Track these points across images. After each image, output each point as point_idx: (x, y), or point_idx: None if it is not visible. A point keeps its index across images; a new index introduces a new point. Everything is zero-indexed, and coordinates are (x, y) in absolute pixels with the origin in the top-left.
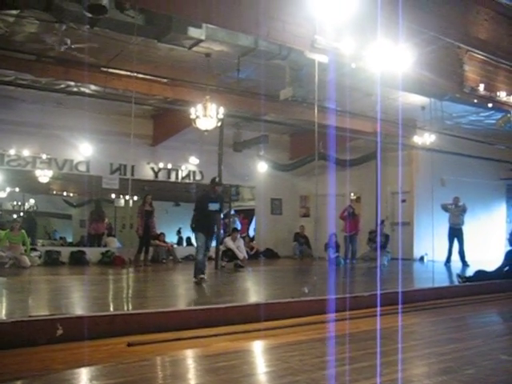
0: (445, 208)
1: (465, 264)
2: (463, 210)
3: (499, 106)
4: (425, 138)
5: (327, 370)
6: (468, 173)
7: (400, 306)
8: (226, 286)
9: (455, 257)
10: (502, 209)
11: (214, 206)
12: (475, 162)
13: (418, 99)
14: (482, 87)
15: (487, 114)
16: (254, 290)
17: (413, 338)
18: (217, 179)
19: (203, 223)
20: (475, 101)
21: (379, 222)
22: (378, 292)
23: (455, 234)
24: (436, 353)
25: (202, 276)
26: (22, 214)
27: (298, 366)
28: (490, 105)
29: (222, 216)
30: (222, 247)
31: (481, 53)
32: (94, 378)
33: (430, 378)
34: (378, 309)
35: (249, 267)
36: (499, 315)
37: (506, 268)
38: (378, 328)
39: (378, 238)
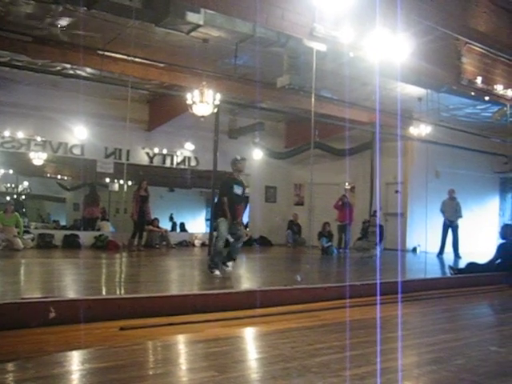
0: (442, 211)
1: (457, 256)
2: (456, 208)
3: (496, 100)
4: (420, 130)
5: (319, 358)
6: (462, 165)
7: (393, 296)
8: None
9: (448, 249)
10: (495, 202)
11: (238, 190)
12: (470, 155)
13: (415, 90)
14: (479, 80)
15: (483, 106)
16: (246, 277)
17: (404, 328)
18: (238, 157)
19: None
20: (472, 93)
21: (378, 212)
22: (374, 281)
23: (450, 225)
24: (426, 343)
25: (216, 270)
26: (15, 196)
27: (290, 353)
28: (486, 98)
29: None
30: (215, 233)
31: (479, 45)
32: (86, 360)
33: (419, 367)
34: (372, 298)
35: (242, 254)
36: (490, 307)
37: (498, 261)
38: (370, 317)
39: (377, 229)
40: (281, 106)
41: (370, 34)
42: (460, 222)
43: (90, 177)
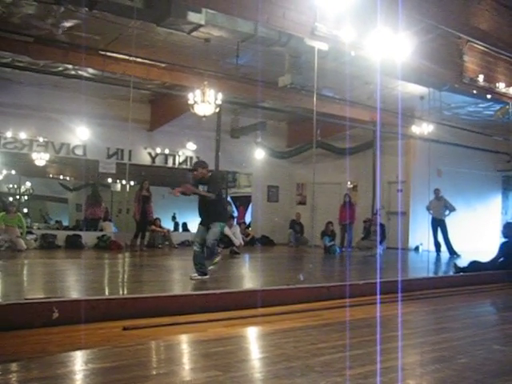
0: (428, 208)
1: (454, 253)
2: (445, 206)
3: (498, 98)
4: (422, 128)
5: (322, 357)
6: (465, 164)
7: (395, 295)
8: (221, 272)
9: (444, 247)
10: (497, 200)
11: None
12: (472, 153)
13: (417, 89)
14: (481, 78)
15: (486, 105)
16: (249, 276)
17: (407, 327)
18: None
19: (199, 212)
20: (474, 92)
21: (378, 211)
22: (376, 280)
23: (438, 224)
24: (430, 342)
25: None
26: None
27: (293, 352)
28: (488, 96)
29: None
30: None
31: (481, 43)
32: (90, 360)
33: (423, 366)
34: (375, 297)
35: (245, 254)
36: (492, 305)
37: (501, 259)
38: (373, 316)
39: (378, 228)
40: (282, 105)
41: (371, 32)
42: (463, 219)
43: (92, 177)
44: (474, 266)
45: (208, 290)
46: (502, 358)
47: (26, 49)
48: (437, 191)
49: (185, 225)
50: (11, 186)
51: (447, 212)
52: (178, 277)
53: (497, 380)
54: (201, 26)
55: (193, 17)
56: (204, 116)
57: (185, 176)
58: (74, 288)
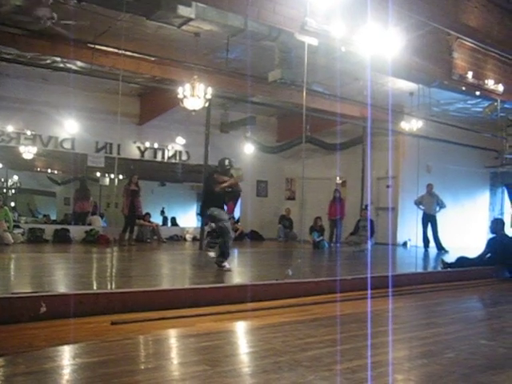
0: (418, 203)
1: (442, 249)
2: (437, 202)
3: (487, 94)
4: (412, 124)
5: (310, 352)
6: (453, 160)
7: (384, 290)
8: (210, 267)
9: (432, 242)
10: (485, 197)
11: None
12: (461, 150)
13: (406, 85)
14: (470, 75)
15: (474, 101)
16: (238, 271)
17: (395, 322)
18: (227, 161)
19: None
20: (463, 88)
21: (368, 206)
22: (364, 275)
23: (428, 219)
24: (417, 337)
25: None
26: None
27: (281, 347)
28: (477, 93)
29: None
30: (207, 228)
31: (470, 40)
32: (77, 355)
33: (410, 361)
34: (363, 292)
35: (234, 248)
36: (479, 301)
37: (488, 255)
38: (361, 311)
39: (369, 223)
40: (272, 100)
41: (361, 28)
42: (450, 215)
43: (80, 171)
44: (462, 261)
45: (196, 284)
46: (489, 353)
47: (13, 41)
48: (429, 186)
49: (173, 219)
50: None
51: (438, 208)
52: (167, 271)
53: (483, 374)
54: (191, 19)
55: (183, 10)
56: (193, 110)
57: (174, 170)
58: (61, 282)
